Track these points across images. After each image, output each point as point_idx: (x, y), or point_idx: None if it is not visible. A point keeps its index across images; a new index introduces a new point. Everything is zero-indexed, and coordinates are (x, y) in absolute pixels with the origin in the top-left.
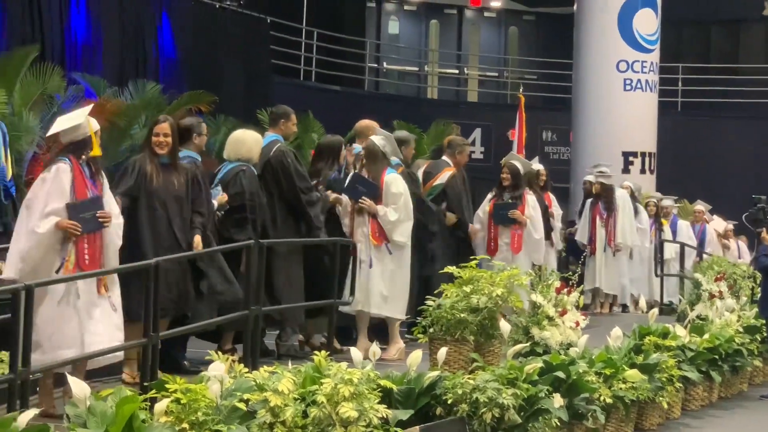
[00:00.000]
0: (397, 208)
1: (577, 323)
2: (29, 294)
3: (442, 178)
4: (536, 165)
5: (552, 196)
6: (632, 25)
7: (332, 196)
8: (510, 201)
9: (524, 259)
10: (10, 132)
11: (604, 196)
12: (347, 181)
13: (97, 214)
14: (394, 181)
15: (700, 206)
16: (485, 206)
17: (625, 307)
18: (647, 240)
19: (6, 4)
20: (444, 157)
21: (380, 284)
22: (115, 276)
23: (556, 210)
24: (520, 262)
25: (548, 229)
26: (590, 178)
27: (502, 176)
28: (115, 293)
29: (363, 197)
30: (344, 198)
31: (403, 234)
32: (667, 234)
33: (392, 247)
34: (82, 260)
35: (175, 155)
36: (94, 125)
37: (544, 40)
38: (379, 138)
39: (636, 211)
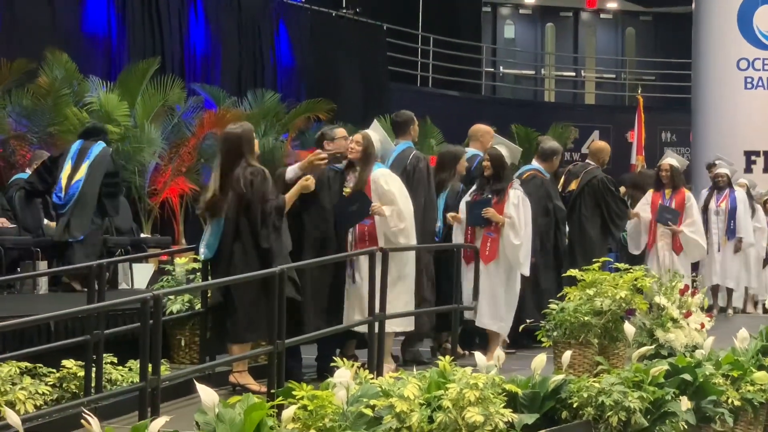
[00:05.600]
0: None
1: (702, 325)
2: (157, 302)
3: None
4: (669, 159)
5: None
6: (753, 22)
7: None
8: (487, 197)
9: (497, 268)
10: (132, 144)
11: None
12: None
13: None
14: (382, 176)
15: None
16: (467, 198)
17: (741, 309)
18: (765, 239)
19: (127, 18)
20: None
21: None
22: None
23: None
24: (491, 272)
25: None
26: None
27: (483, 164)
28: None
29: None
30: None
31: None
32: None
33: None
34: None
35: None
36: None
37: (662, 40)
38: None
39: (753, 210)
